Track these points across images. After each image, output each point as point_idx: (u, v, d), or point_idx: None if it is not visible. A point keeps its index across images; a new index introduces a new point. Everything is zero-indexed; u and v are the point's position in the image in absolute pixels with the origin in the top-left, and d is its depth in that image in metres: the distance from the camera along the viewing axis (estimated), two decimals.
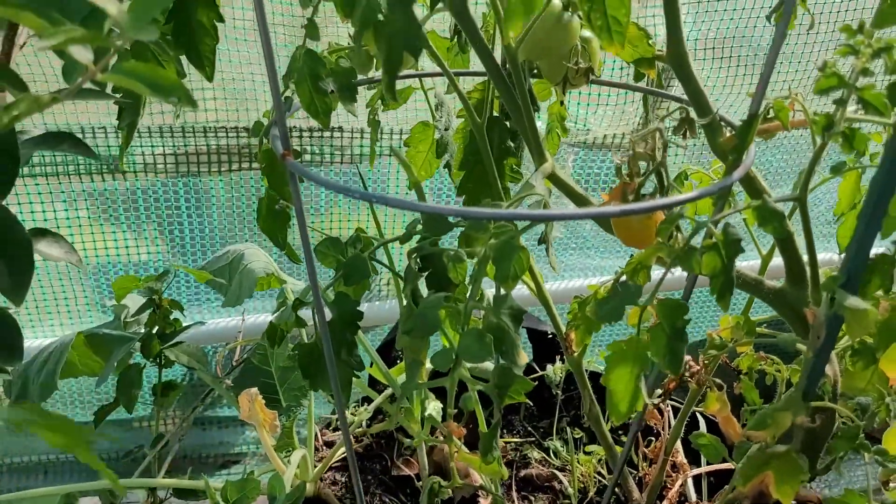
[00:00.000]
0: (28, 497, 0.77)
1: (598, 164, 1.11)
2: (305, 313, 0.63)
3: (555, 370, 0.96)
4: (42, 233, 0.65)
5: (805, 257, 0.54)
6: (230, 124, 0.99)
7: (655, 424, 0.82)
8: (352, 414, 0.92)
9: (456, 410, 0.82)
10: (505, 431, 0.97)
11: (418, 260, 0.60)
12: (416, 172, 0.85)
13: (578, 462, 0.87)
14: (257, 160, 1.04)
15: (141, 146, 1.01)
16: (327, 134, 1.02)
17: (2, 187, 0.53)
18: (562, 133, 0.77)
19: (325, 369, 0.61)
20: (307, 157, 1.05)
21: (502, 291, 0.54)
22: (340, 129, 1.03)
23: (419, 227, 0.62)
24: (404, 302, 0.76)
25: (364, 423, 0.87)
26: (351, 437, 0.59)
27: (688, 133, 0.53)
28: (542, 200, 0.57)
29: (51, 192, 1.03)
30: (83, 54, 0.37)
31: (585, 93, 1.02)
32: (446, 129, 0.80)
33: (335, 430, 0.94)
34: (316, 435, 0.91)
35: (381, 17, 0.45)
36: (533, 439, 0.95)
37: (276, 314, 0.65)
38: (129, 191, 1.04)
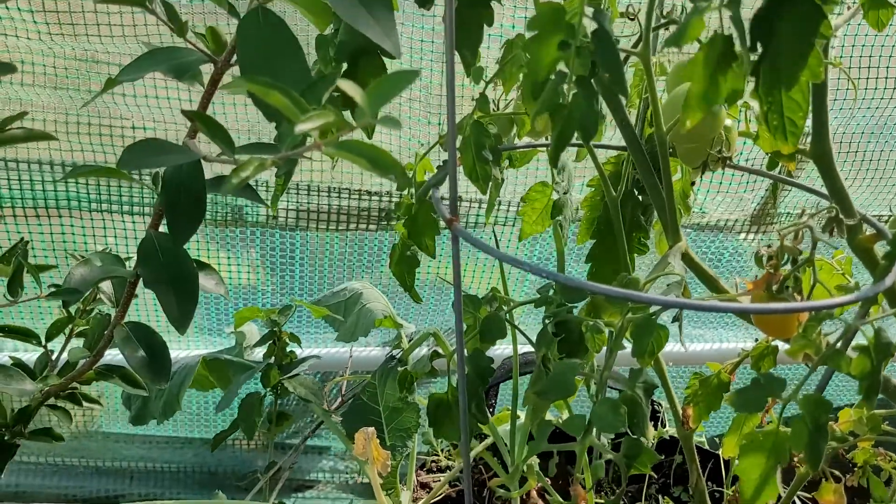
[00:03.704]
0: None
1: (706, 244, 1.13)
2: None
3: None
4: (199, 265, 0.70)
5: None
6: (353, 186, 1.04)
7: None
8: (446, 457, 0.94)
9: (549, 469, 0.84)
10: (592, 491, 0.98)
11: (553, 325, 0.63)
12: (529, 227, 0.89)
13: None
14: (381, 221, 1.08)
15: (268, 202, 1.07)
16: (445, 201, 1.06)
17: (188, 229, 0.58)
18: (684, 211, 0.80)
19: (451, 419, 0.64)
20: None
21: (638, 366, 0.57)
22: (460, 197, 1.07)
23: (551, 291, 0.65)
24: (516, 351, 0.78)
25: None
26: (470, 484, 0.62)
27: (834, 231, 0.55)
28: (681, 281, 0.59)
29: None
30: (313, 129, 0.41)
31: (706, 179, 1.04)
32: (565, 193, 0.83)
33: (429, 471, 0.97)
34: None
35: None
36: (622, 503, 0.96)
37: (405, 358, 0.68)
38: (247, 238, 1.09)
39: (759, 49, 0.43)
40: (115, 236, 1.06)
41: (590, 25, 0.46)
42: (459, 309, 0.58)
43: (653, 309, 0.55)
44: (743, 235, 1.06)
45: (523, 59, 0.58)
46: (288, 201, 1.04)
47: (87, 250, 1.06)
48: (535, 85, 0.49)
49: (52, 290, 0.67)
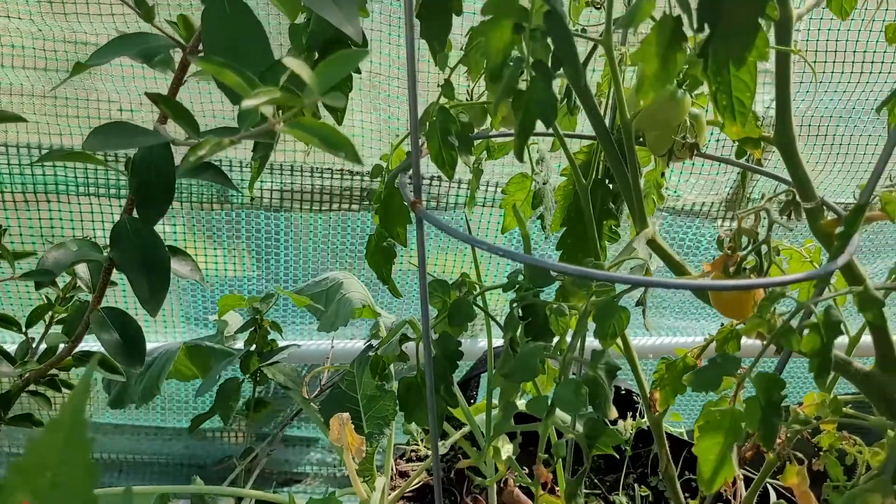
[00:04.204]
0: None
1: (683, 230, 1.13)
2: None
3: (625, 426, 0.98)
4: (174, 251, 0.71)
5: None
6: (336, 166, 1.05)
7: (725, 491, 0.83)
8: (426, 447, 0.95)
9: (523, 452, 0.84)
10: (564, 474, 0.99)
11: (520, 309, 0.64)
12: (510, 219, 0.89)
13: None
14: (363, 201, 1.10)
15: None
16: (425, 181, 1.07)
17: (157, 211, 0.59)
18: (657, 200, 0.80)
19: (422, 403, 0.65)
20: None
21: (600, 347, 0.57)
22: (440, 178, 1.08)
23: (520, 277, 0.66)
24: (492, 344, 0.79)
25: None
26: (439, 467, 0.63)
27: (793, 214, 0.56)
28: (643, 264, 0.60)
29: None
30: (268, 108, 0.42)
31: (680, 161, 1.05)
32: (544, 183, 0.84)
33: (408, 460, 0.98)
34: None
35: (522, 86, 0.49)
36: (599, 492, 0.97)
37: (380, 347, 0.69)
38: (233, 220, 1.10)
39: (707, 30, 0.44)
40: (103, 221, 1.07)
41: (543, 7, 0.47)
42: (424, 290, 0.59)
43: (618, 289, 0.56)
44: (719, 222, 1.07)
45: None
46: (272, 181, 1.06)
47: (73, 237, 1.07)
48: (492, 69, 0.49)
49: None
